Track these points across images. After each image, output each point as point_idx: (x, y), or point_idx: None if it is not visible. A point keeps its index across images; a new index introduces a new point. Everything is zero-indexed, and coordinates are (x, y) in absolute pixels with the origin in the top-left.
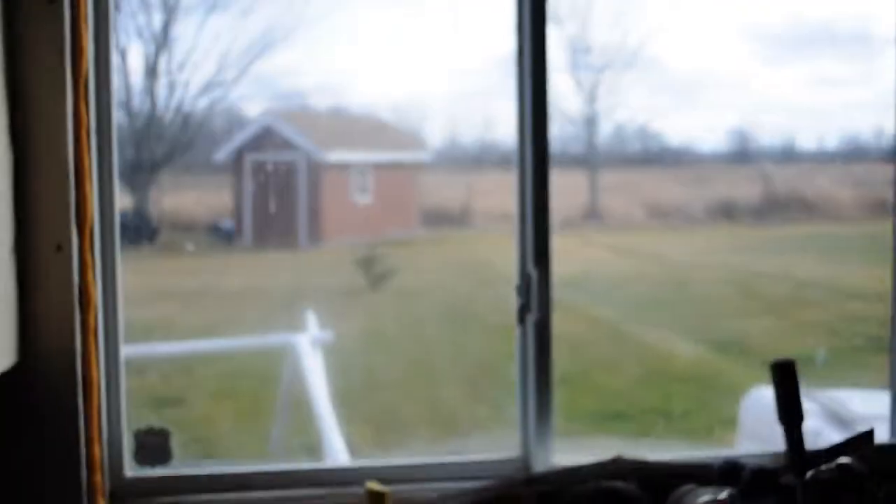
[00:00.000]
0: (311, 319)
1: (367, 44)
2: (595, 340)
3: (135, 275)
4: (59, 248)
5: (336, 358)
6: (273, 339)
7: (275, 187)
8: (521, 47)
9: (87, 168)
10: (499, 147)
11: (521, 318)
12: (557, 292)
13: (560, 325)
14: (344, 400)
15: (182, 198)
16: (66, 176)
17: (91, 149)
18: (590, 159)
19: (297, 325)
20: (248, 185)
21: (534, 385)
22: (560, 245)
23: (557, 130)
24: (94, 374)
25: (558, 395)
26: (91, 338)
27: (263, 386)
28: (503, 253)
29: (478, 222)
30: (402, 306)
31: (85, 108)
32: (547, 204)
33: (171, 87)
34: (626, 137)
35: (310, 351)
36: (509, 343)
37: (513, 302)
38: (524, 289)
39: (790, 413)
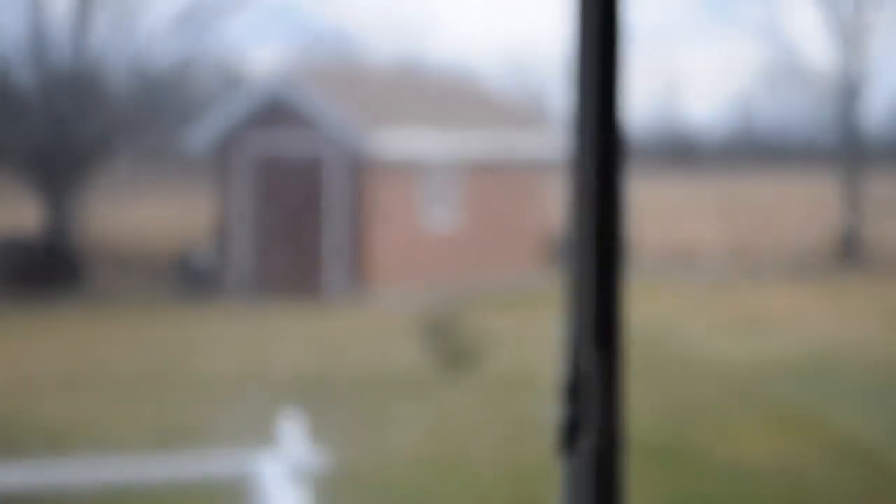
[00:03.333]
0: (291, 431)
1: None
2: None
3: (40, 342)
4: None
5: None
6: (228, 464)
7: (287, 198)
8: None
9: None
10: (690, 134)
11: (569, 445)
12: (781, 387)
13: (783, 452)
14: None
15: (131, 212)
16: None
17: None
18: (848, 154)
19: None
20: (242, 194)
21: None
22: (789, 302)
23: (790, 105)
24: None
25: None
26: None
27: None
28: (683, 316)
29: (646, 262)
30: (500, 408)
31: None
32: (616, 235)
33: (118, 22)
34: None
35: (283, 487)
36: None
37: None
38: (573, 392)
39: None
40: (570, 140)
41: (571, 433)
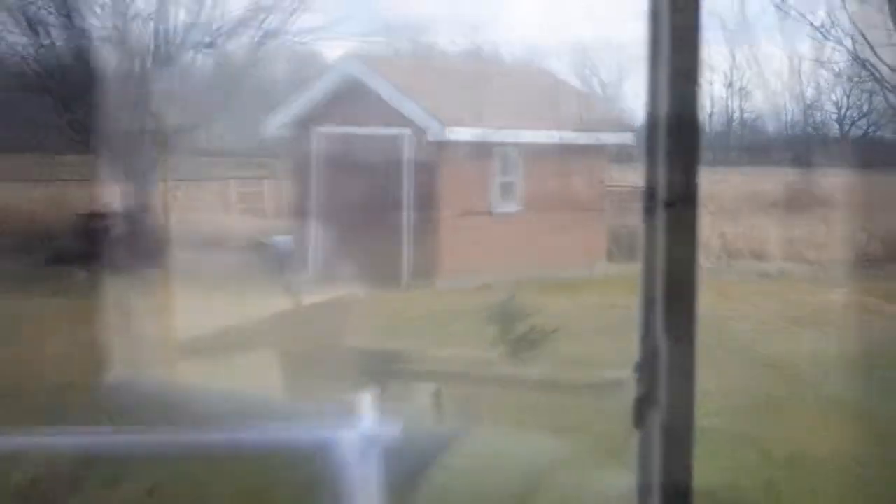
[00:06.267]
0: (366, 404)
1: None
2: None
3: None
4: None
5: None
6: (300, 434)
7: (363, 181)
8: None
9: None
10: (762, 126)
11: (641, 418)
12: None
13: None
14: None
15: (204, 193)
16: None
17: None
18: None
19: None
20: (316, 178)
21: None
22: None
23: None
24: None
25: None
26: None
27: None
28: (749, 307)
29: (713, 253)
30: (557, 393)
31: None
32: (694, 215)
33: (197, 6)
34: None
35: (359, 456)
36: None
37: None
38: (647, 369)
39: None
40: (645, 131)
41: (642, 409)
